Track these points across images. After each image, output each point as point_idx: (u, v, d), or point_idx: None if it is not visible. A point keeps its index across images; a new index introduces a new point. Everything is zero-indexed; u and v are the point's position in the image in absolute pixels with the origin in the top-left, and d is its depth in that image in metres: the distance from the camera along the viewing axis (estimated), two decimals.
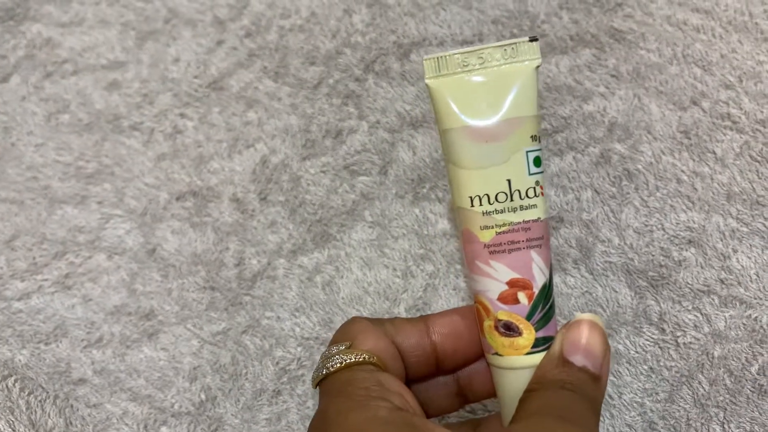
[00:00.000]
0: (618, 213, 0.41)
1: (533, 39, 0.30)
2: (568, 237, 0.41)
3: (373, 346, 0.29)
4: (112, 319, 0.42)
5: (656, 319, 0.39)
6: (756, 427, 0.37)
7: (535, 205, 0.30)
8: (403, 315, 0.41)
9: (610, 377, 0.39)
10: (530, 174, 0.30)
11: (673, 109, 0.42)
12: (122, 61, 0.47)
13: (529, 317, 0.30)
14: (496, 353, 0.31)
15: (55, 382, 0.41)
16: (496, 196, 0.30)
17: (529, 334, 0.30)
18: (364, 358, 0.28)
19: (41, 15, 0.49)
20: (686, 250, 0.40)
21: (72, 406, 0.41)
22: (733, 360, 0.38)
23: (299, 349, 0.41)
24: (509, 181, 0.30)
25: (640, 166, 0.41)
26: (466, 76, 0.30)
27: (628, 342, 0.39)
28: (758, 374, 0.38)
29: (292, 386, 0.41)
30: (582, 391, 0.27)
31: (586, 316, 0.30)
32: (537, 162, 0.30)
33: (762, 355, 0.38)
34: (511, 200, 0.30)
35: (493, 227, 0.30)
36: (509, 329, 0.30)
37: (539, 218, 0.31)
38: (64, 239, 0.44)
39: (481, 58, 0.30)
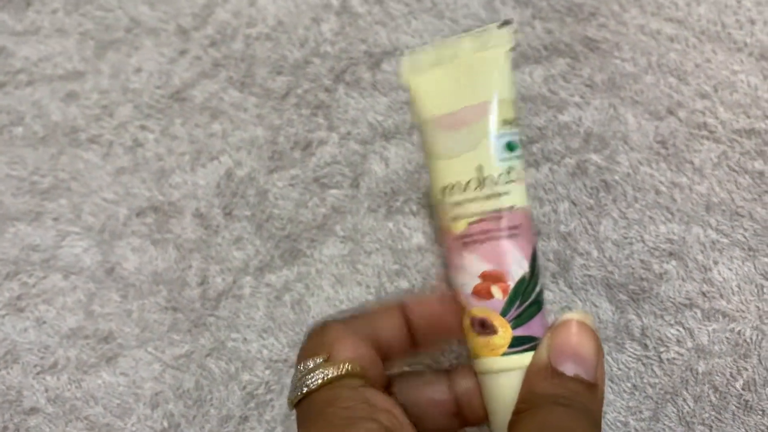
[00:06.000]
0: (596, 225, 0.40)
1: (505, 23, 0.30)
2: (545, 250, 0.40)
3: (352, 354, 0.27)
4: (67, 343, 0.40)
5: (638, 335, 0.38)
6: None
7: (507, 192, 0.29)
8: None
9: None
10: (501, 160, 0.29)
11: (649, 119, 0.41)
12: (81, 71, 0.45)
13: (504, 313, 0.28)
14: (476, 356, 0.29)
15: (5, 412, 0.39)
16: (467, 184, 0.29)
17: (504, 332, 0.28)
18: (347, 369, 0.26)
19: None
20: (667, 263, 0.39)
21: None
22: (718, 375, 0.37)
23: (267, 372, 0.39)
24: (480, 167, 0.29)
25: (617, 177, 0.40)
26: (437, 70, 0.30)
27: (610, 359, 0.38)
28: (743, 390, 0.37)
29: (260, 412, 0.39)
30: (578, 404, 0.25)
31: (574, 315, 0.27)
32: (510, 147, 0.29)
33: (746, 369, 0.37)
34: (483, 188, 0.29)
35: (465, 217, 0.29)
36: (484, 327, 0.28)
37: (513, 206, 0.29)
38: (17, 258, 0.42)
39: (454, 49, 0.30)
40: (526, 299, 0.28)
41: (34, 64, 0.46)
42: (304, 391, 0.26)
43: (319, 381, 0.26)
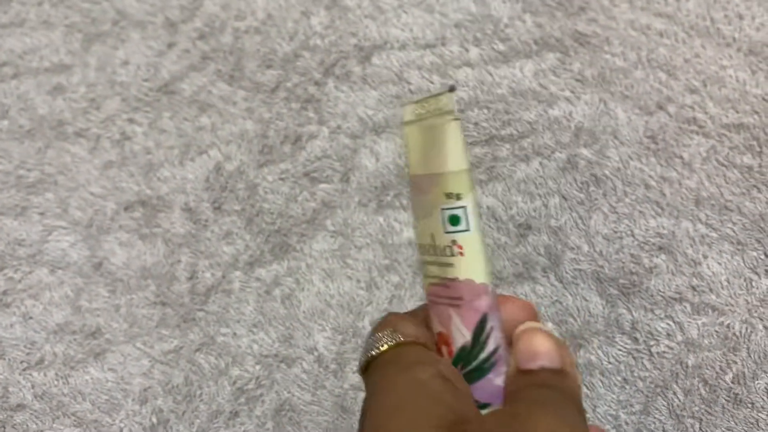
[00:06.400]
0: (587, 219, 0.40)
1: (451, 89, 0.29)
2: (536, 244, 0.40)
3: (414, 332, 0.29)
4: (54, 339, 0.40)
5: (629, 328, 0.38)
6: None
7: (451, 264, 0.29)
8: (368, 329, 0.39)
9: (584, 390, 0.37)
10: (446, 232, 0.29)
11: (639, 114, 0.41)
12: (67, 64, 0.45)
13: None
14: None
15: None
16: (427, 247, 0.30)
17: None
18: (412, 339, 0.28)
19: None
20: (657, 257, 0.39)
21: None
22: (708, 369, 0.37)
23: (257, 367, 0.39)
24: (432, 235, 0.29)
25: (607, 172, 0.40)
26: (417, 126, 0.30)
27: (600, 352, 0.38)
28: (733, 383, 0.37)
29: (251, 407, 0.38)
30: (549, 385, 0.26)
31: (523, 326, 0.28)
32: (453, 221, 0.29)
33: (736, 363, 0.37)
34: (435, 255, 0.29)
35: (428, 277, 0.30)
36: None
37: (456, 278, 0.29)
38: (3, 253, 0.41)
39: (426, 106, 0.29)
40: (467, 365, 0.29)
41: (19, 57, 0.45)
42: (373, 354, 0.27)
43: (388, 343, 0.28)
